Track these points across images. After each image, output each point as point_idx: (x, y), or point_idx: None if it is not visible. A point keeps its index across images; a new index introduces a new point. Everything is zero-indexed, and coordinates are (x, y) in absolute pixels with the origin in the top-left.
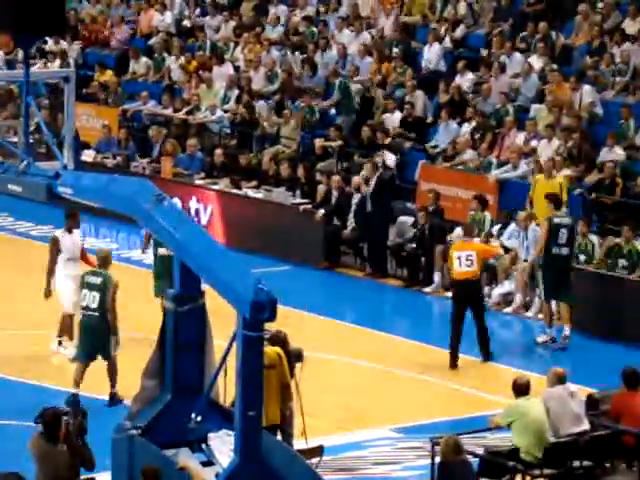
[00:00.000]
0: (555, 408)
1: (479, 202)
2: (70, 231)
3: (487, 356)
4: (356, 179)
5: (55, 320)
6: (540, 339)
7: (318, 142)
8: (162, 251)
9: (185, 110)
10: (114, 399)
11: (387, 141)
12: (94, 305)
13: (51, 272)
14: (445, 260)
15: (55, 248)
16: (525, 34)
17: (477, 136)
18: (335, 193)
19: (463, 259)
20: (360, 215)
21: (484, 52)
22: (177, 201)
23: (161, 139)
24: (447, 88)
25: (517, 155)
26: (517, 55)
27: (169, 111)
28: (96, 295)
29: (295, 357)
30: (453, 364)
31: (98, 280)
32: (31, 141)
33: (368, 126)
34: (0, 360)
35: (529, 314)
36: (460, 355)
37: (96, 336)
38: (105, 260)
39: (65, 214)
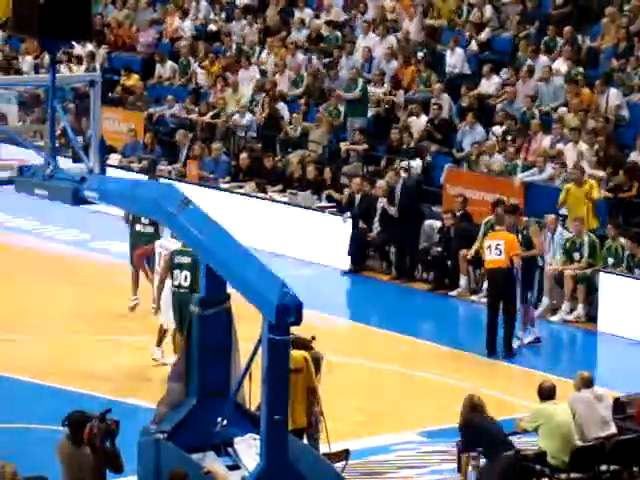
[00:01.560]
0: (582, 412)
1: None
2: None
3: (506, 351)
4: (381, 183)
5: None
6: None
7: (344, 145)
8: (138, 228)
9: (211, 114)
10: None
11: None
12: (186, 284)
13: (162, 285)
14: (469, 262)
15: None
16: (551, 37)
17: (509, 139)
18: (357, 196)
19: (493, 247)
20: (385, 219)
21: (510, 55)
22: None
23: (187, 143)
24: (470, 91)
25: (543, 158)
26: (543, 58)
27: (195, 115)
28: (187, 274)
29: (313, 364)
30: (490, 352)
31: (188, 259)
32: (57, 145)
33: (395, 129)
34: (24, 363)
35: (555, 318)
36: (488, 359)
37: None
38: None
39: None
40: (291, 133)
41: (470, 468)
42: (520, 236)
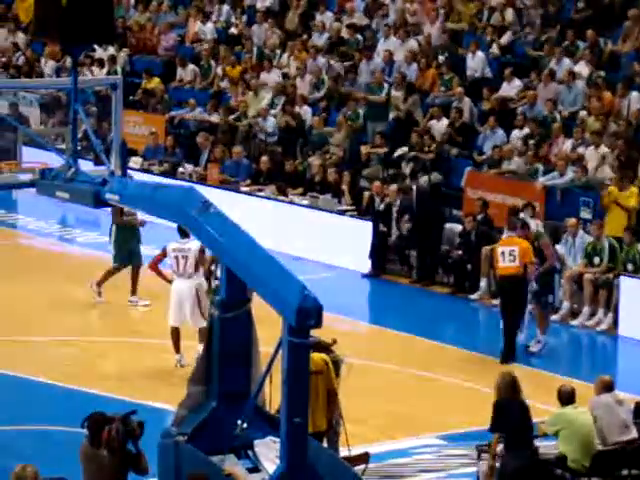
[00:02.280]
0: (602, 416)
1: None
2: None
3: (506, 357)
4: (394, 186)
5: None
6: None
7: (364, 149)
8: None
9: (232, 117)
10: None
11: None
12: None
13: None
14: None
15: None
16: (572, 41)
17: (531, 143)
18: (377, 199)
19: (507, 254)
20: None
21: (532, 59)
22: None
23: (208, 146)
24: (491, 95)
25: (564, 162)
26: (565, 62)
27: (215, 118)
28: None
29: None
30: (507, 359)
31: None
32: (79, 148)
33: (415, 132)
34: (46, 366)
35: (576, 322)
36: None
37: None
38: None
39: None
40: (313, 137)
41: (498, 450)
42: (532, 249)
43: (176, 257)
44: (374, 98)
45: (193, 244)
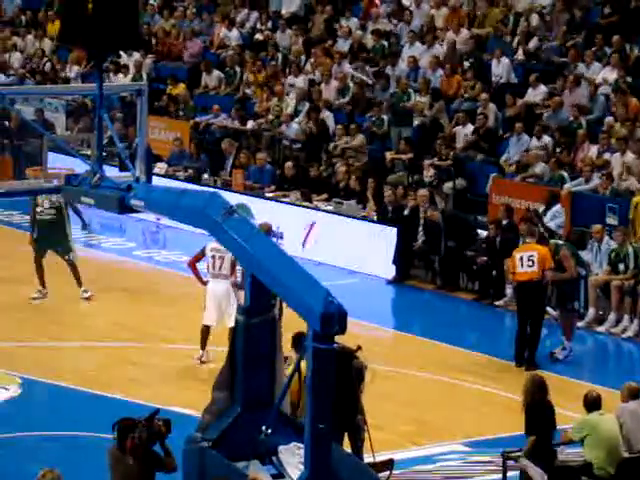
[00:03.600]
0: (628, 423)
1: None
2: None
3: (528, 364)
4: (422, 191)
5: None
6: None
7: (389, 155)
8: (39, 210)
9: (257, 123)
10: None
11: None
12: None
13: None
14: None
15: None
16: (599, 46)
17: (558, 150)
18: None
19: (525, 259)
20: (430, 228)
21: (557, 65)
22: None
23: (233, 152)
24: (516, 101)
25: (590, 168)
26: (591, 68)
27: (240, 124)
28: None
29: (356, 373)
30: (518, 364)
31: None
32: (104, 154)
33: (439, 139)
34: (71, 371)
35: (602, 329)
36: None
37: None
38: (267, 232)
39: None
40: (337, 143)
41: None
42: (552, 262)
43: (213, 257)
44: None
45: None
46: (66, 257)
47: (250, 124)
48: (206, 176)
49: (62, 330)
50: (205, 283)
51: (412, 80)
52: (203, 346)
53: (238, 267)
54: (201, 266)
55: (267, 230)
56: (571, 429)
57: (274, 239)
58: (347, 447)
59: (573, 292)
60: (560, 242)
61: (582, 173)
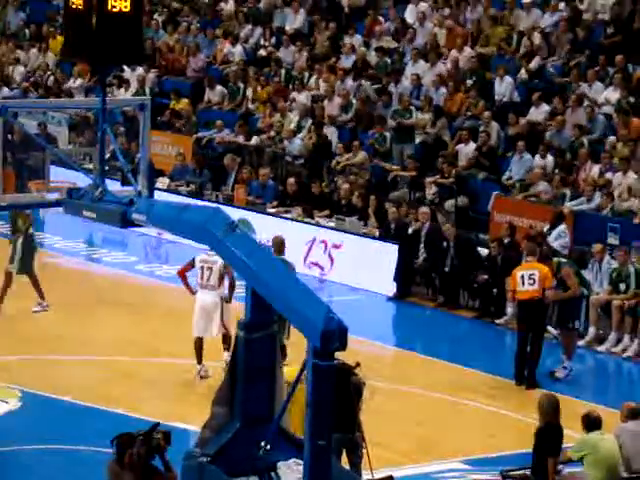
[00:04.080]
0: (628, 443)
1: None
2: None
3: (529, 383)
4: (424, 209)
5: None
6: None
7: (393, 171)
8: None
9: (260, 138)
10: None
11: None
12: None
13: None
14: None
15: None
16: (601, 66)
17: (556, 171)
18: (393, 224)
19: (526, 278)
20: (431, 246)
21: (560, 84)
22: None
23: (235, 167)
24: (519, 120)
25: (591, 187)
26: (593, 87)
27: (242, 139)
28: None
29: (355, 390)
30: (518, 382)
31: None
32: (106, 168)
33: (441, 157)
34: (71, 385)
35: (602, 348)
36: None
37: None
38: (280, 246)
39: None
40: (339, 160)
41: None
42: (554, 280)
43: (202, 268)
44: (405, 122)
45: (219, 258)
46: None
47: (254, 140)
48: (208, 191)
49: (63, 344)
50: (194, 293)
51: (415, 97)
52: (199, 360)
53: (225, 279)
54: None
55: (280, 243)
56: (571, 448)
57: (286, 252)
58: (345, 464)
59: (574, 311)
60: (563, 260)
61: (584, 192)
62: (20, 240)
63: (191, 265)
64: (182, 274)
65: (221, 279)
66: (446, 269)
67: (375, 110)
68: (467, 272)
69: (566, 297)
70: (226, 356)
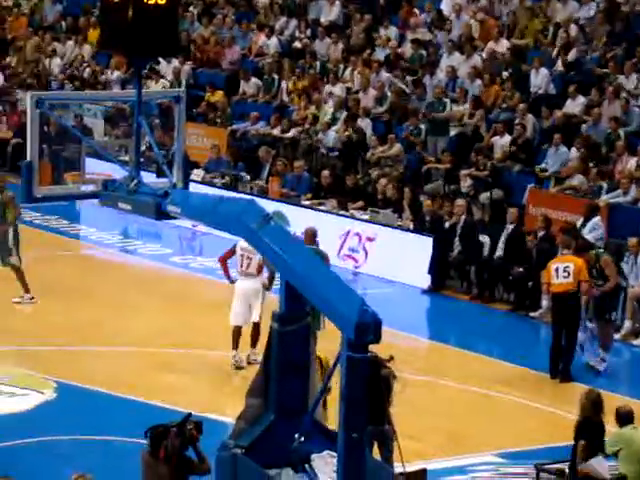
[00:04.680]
0: None
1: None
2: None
3: (563, 376)
4: (459, 202)
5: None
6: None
7: (428, 163)
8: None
9: (295, 131)
10: None
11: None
12: None
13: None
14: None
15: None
16: (639, 58)
17: (592, 163)
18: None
19: (560, 270)
20: (466, 238)
21: (596, 76)
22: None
23: (270, 159)
24: (554, 112)
25: (628, 180)
26: (630, 79)
27: (277, 131)
28: None
29: (383, 382)
30: (552, 375)
31: None
32: (141, 160)
33: (475, 151)
34: (107, 376)
35: (638, 342)
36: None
37: None
38: (312, 237)
39: None
40: (374, 152)
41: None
42: (594, 271)
43: (242, 256)
44: (438, 115)
45: None
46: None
47: (292, 132)
48: (243, 183)
49: (99, 335)
50: (233, 281)
51: (450, 90)
52: (235, 346)
53: (265, 271)
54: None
55: (312, 235)
56: (605, 443)
57: (319, 243)
58: (377, 457)
59: (611, 302)
60: (601, 250)
61: (620, 185)
62: (10, 232)
63: (232, 252)
64: (223, 261)
65: (260, 268)
66: (494, 259)
67: (409, 103)
68: (512, 265)
69: (607, 290)
70: (249, 351)
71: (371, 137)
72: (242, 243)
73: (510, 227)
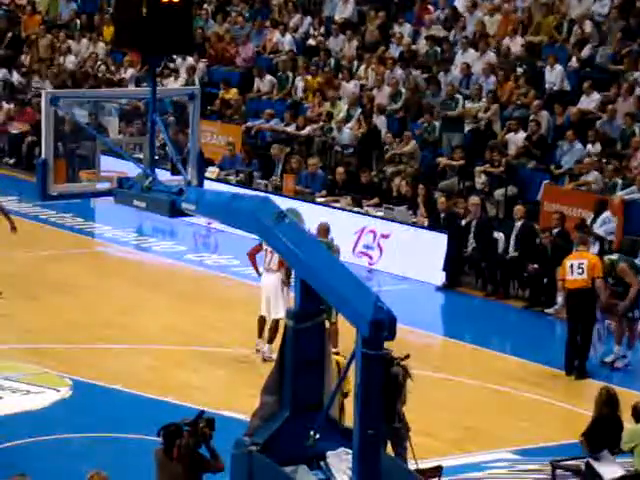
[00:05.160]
0: None
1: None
2: None
3: (578, 373)
4: (474, 199)
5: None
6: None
7: (442, 161)
8: None
9: (312, 128)
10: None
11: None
12: None
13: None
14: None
15: None
16: None
17: (604, 160)
18: (447, 213)
19: (575, 267)
20: (480, 235)
21: (611, 72)
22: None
23: (283, 157)
24: (569, 108)
25: None
26: None
27: (292, 128)
28: None
29: (393, 380)
30: (568, 372)
31: None
32: (156, 157)
33: (489, 148)
34: (122, 374)
35: None
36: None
37: None
38: (324, 232)
39: None
40: (388, 149)
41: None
42: (611, 279)
43: (265, 250)
44: (450, 113)
45: None
46: None
47: (307, 129)
48: (258, 180)
49: (113, 332)
50: (260, 274)
51: (464, 87)
52: (260, 334)
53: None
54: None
55: (325, 230)
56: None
57: (333, 239)
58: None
59: (635, 300)
60: (614, 257)
61: (635, 181)
62: None
63: (260, 246)
64: (252, 255)
65: (281, 263)
66: (507, 257)
67: (424, 99)
68: (522, 262)
69: (633, 297)
70: (265, 347)
71: (386, 134)
72: None
73: (519, 224)
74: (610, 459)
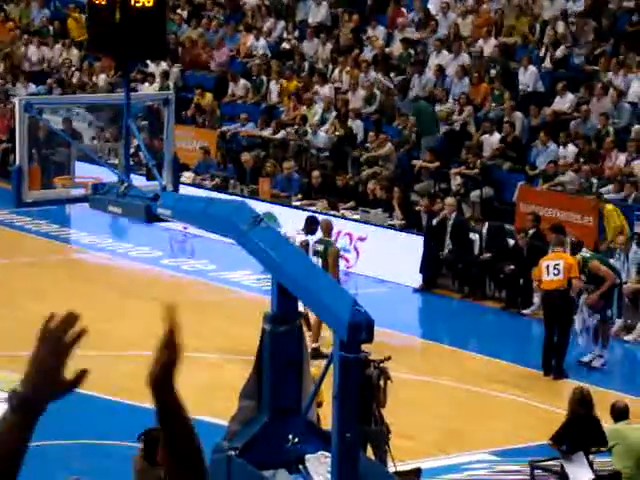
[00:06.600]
0: None
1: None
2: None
3: (556, 373)
4: (450, 200)
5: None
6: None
7: (417, 163)
8: None
9: (284, 132)
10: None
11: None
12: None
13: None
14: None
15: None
16: (626, 54)
17: (581, 160)
18: (425, 216)
19: (551, 268)
20: (456, 237)
21: (585, 73)
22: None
23: (252, 164)
24: (543, 110)
25: (618, 177)
26: (619, 76)
27: (267, 133)
28: (319, 260)
29: (369, 382)
30: (546, 373)
31: (321, 247)
32: (131, 163)
33: (466, 148)
34: (99, 380)
35: (630, 337)
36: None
37: None
38: (328, 229)
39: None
40: (364, 152)
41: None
42: (583, 276)
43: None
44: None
45: (299, 238)
46: None
47: (282, 133)
48: (233, 185)
49: (91, 339)
50: None
51: (438, 89)
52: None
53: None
54: None
55: (328, 227)
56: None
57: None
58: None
59: (608, 299)
60: (587, 254)
61: (610, 181)
62: None
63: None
64: None
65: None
66: (479, 259)
67: (397, 102)
68: (497, 263)
69: (606, 289)
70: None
71: (369, 135)
72: (292, 232)
73: (487, 225)
74: (582, 462)
